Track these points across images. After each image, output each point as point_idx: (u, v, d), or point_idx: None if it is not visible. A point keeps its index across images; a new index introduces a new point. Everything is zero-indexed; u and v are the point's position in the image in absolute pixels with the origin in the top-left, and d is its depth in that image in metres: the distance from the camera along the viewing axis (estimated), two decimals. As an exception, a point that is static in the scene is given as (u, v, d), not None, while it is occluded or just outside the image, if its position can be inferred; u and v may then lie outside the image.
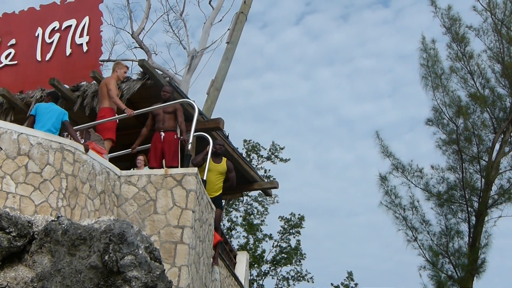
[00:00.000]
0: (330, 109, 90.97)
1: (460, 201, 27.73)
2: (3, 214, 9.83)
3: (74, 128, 13.10)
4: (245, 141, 39.55)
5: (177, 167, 13.35)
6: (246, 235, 37.96)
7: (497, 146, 27.77)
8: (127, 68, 15.02)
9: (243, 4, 25.21)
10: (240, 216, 38.45)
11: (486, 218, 27.18)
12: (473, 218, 27.39)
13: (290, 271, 37.88)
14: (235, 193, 21.87)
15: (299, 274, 37.84)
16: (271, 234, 38.42)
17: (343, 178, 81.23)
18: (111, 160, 13.76)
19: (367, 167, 77.60)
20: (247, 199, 38.23)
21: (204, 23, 27.17)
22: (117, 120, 14.21)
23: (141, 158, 14.77)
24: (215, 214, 14.47)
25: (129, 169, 13.78)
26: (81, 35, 16.82)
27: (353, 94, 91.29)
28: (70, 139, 12.00)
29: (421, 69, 29.06)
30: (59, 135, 12.07)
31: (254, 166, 34.23)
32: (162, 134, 13.91)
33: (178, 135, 14.02)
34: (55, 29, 17.23)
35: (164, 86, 15.01)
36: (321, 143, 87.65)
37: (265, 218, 38.45)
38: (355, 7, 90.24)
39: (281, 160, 39.02)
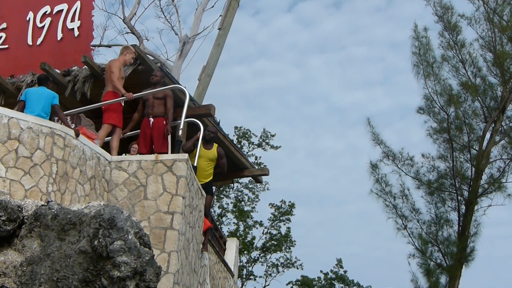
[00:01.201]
0: (322, 97, 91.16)
1: (450, 190, 27.86)
2: (-8, 198, 9.85)
3: (65, 112, 13.09)
4: (236, 127, 39.60)
5: (167, 153, 13.36)
6: (236, 221, 38.05)
7: (487, 135, 27.89)
8: (135, 53, 14.95)
9: (235, -10, 25.19)
10: (231, 203, 38.51)
11: (475, 207, 27.32)
12: (463, 207, 27.52)
13: (279, 258, 38.01)
14: (226, 179, 21.87)
15: (288, 261, 37.95)
16: (261, 221, 38.53)
17: (334, 166, 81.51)
18: (104, 145, 13.77)
19: (358, 155, 77.99)
20: (237, 186, 38.30)
21: (196, 9, 27.12)
22: (122, 104, 14.13)
23: (135, 146, 14.77)
24: (206, 201, 14.50)
25: (121, 155, 13.79)
26: (72, 20, 16.79)
27: (345, 82, 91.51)
28: (61, 123, 11.99)
29: (413, 57, 29.17)
30: (50, 119, 12.05)
31: (245, 153, 34.23)
32: (151, 119, 13.90)
33: (167, 122, 14.02)
34: (47, 13, 17.19)
35: (155, 71, 15.01)
36: (312, 131, 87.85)
37: (255, 205, 38.55)
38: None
39: (272, 147, 39.09)
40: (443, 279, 27.09)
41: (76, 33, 16.70)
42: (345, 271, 38.07)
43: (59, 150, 11.37)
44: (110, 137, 13.83)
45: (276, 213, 38.57)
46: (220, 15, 25.21)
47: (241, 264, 37.13)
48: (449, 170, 27.99)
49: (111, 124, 13.74)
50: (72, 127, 12.45)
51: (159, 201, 12.31)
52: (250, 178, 23.26)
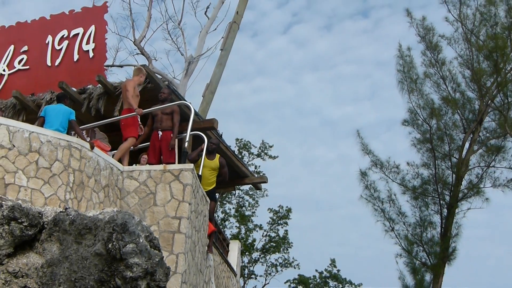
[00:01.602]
0: (315, 110, 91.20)
1: (433, 195, 27.89)
2: (16, 206, 9.85)
3: (81, 127, 13.12)
4: (237, 139, 39.60)
5: (174, 163, 13.36)
6: (238, 225, 37.99)
7: (466, 145, 27.95)
8: (145, 74, 15.02)
9: (235, 15, 25.21)
10: (233, 208, 38.50)
11: (456, 210, 27.34)
12: (445, 210, 27.54)
13: (278, 258, 37.97)
14: (228, 187, 21.88)
15: (286, 261, 37.90)
16: (261, 225, 38.50)
17: (326, 173, 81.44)
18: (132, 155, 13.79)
19: (348, 163, 77.81)
20: (239, 193, 38.27)
21: (200, 31, 27.19)
22: (139, 119, 14.16)
23: (145, 157, 14.76)
24: (210, 206, 14.49)
25: (132, 165, 13.79)
26: (87, 42, 16.82)
27: (336, 97, 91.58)
28: (77, 137, 12.02)
29: (398, 74, 29.25)
30: (67, 133, 12.08)
31: (245, 163, 34.22)
32: (160, 133, 13.90)
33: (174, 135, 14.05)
34: (64, 36, 17.21)
35: (163, 88, 15.03)
36: (306, 142, 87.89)
37: (255, 210, 38.52)
38: (337, 17, 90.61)
39: (270, 157, 39.07)
40: (427, 277, 27.10)
41: (91, 54, 16.72)
42: (338, 270, 38.02)
43: (75, 161, 11.38)
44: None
45: (274, 217, 38.54)
46: (222, 37, 25.25)
47: (243, 264, 37.07)
48: (432, 177, 28.02)
49: (134, 137, 13.82)
50: (88, 140, 12.45)
51: (167, 207, 12.30)
52: (250, 185, 23.26)
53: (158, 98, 14.46)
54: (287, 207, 38.85)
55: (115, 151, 14.14)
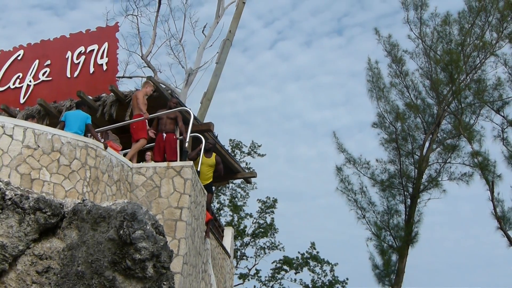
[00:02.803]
0: (297, 115, 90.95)
1: (398, 187, 28.03)
2: (40, 198, 9.84)
3: (96, 130, 13.12)
4: (230, 140, 39.44)
5: (176, 161, 13.36)
6: (231, 214, 37.87)
7: (427, 144, 28.14)
8: (154, 87, 15.11)
9: (229, 33, 25.15)
10: (227, 199, 38.43)
11: (418, 200, 27.49)
12: (409, 200, 27.69)
13: (266, 242, 37.83)
14: (223, 181, 21.81)
15: (273, 245, 37.77)
16: (251, 213, 38.37)
17: (307, 169, 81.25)
18: (126, 155, 13.80)
19: (326, 160, 77.69)
20: (232, 186, 38.15)
21: (198, 47, 27.07)
22: (147, 123, 14.20)
23: (148, 154, 14.71)
24: (207, 198, 14.47)
25: (139, 162, 13.77)
26: (101, 57, 16.75)
27: (315, 103, 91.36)
28: (93, 138, 12.01)
29: (368, 84, 29.44)
30: (84, 135, 12.07)
31: (238, 160, 34.21)
32: (164, 135, 13.91)
33: (177, 136, 14.04)
34: (81, 52, 17.14)
35: (172, 98, 15.07)
36: (290, 142, 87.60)
37: (246, 200, 38.37)
38: (316, 35, 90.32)
39: (259, 155, 38.95)
40: (394, 257, 27.20)
41: (105, 67, 16.65)
42: (317, 252, 37.84)
43: (91, 160, 11.36)
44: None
45: (262, 207, 38.43)
46: (217, 52, 25.17)
47: (236, 247, 36.95)
48: (397, 172, 28.15)
49: (145, 138, 13.86)
50: (102, 141, 12.43)
51: (170, 199, 12.29)
52: (242, 179, 23.22)
53: (163, 105, 14.48)
54: (273, 198, 38.79)
55: (126, 150, 14.14)
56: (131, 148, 13.73)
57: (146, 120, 14.07)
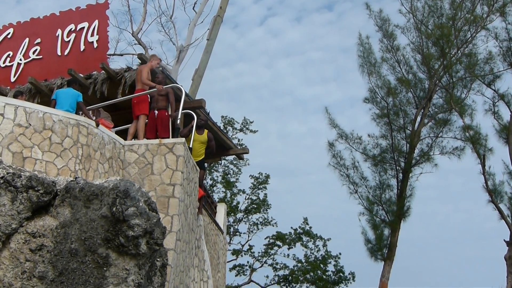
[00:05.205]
0: (288, 91, 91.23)
1: (390, 162, 28.12)
2: (32, 176, 9.83)
3: (87, 107, 13.08)
4: (222, 116, 39.34)
5: (169, 137, 13.35)
6: (224, 190, 37.93)
7: (418, 119, 28.18)
8: (160, 60, 15.10)
9: (219, 9, 25.04)
10: (220, 176, 38.44)
11: (410, 175, 27.60)
12: (400, 175, 27.78)
13: (259, 218, 37.92)
14: (215, 157, 21.86)
15: (266, 220, 37.88)
16: (244, 189, 38.44)
17: (299, 145, 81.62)
18: (118, 132, 13.79)
19: (318, 136, 78.12)
20: (224, 162, 38.17)
21: (189, 24, 26.97)
22: (149, 97, 14.17)
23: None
24: (199, 174, 14.50)
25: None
26: (92, 35, 16.70)
27: (306, 79, 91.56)
28: (84, 116, 11.99)
29: (359, 59, 29.39)
30: (76, 113, 12.04)
31: (230, 136, 34.19)
32: (156, 112, 13.88)
33: (169, 113, 14.00)
34: (72, 30, 17.07)
35: (157, 73, 14.98)
36: (281, 118, 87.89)
37: (239, 177, 38.42)
38: (306, 11, 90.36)
39: (251, 131, 38.91)
40: (386, 232, 27.35)
41: (95, 45, 16.60)
42: (310, 227, 37.96)
43: (83, 137, 11.35)
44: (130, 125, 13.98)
45: (255, 183, 38.48)
46: (208, 29, 25.09)
47: (229, 223, 37.07)
48: (389, 146, 28.22)
49: (145, 114, 13.85)
50: (93, 119, 12.40)
51: (163, 176, 12.31)
52: (234, 156, 23.27)
53: (153, 81, 14.42)
54: (266, 174, 38.82)
55: (118, 127, 14.12)
56: (138, 130, 13.70)
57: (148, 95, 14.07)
